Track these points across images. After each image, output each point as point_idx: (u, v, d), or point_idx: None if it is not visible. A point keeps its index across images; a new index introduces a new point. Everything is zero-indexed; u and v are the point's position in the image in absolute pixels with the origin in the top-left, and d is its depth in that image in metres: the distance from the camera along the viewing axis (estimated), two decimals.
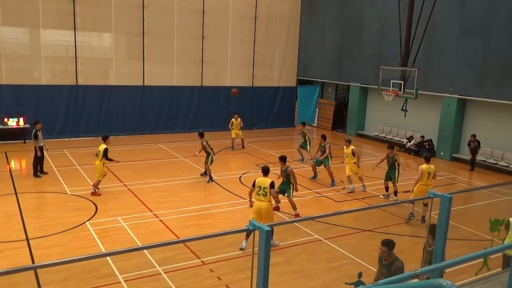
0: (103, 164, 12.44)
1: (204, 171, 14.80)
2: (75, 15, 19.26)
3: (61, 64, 19.67)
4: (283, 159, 11.20)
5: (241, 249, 9.19)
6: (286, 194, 11.27)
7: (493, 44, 16.82)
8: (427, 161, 11.20)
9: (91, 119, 20.34)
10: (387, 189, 13.24)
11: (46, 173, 14.16)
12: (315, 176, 15.05)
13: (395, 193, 12.87)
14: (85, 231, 10.02)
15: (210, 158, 14.23)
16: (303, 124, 17.47)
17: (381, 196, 13.40)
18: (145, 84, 21.32)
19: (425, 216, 11.28)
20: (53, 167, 14.82)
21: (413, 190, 11.24)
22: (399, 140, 21.36)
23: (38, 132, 13.71)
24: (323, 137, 14.71)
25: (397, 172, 12.80)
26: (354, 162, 13.48)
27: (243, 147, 19.60)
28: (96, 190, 12.46)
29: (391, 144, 13.30)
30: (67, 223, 10.34)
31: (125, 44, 20.91)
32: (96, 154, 12.51)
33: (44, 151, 14.12)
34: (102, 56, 20.67)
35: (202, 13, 22.13)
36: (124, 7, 20.26)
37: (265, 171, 9.59)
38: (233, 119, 19.25)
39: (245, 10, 23.49)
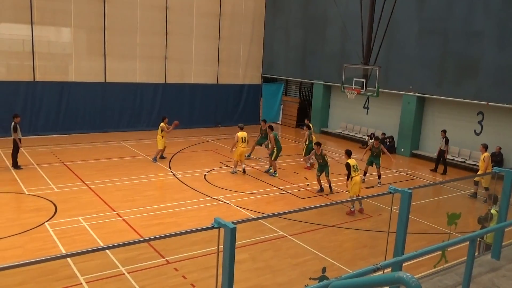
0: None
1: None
2: (32, 8, 18.53)
3: (17, 60, 18.92)
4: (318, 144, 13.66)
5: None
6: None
7: (450, 45, 17.43)
8: (486, 149, 13.43)
9: (49, 116, 19.66)
10: (365, 173, 14.92)
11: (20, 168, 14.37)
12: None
13: (379, 176, 14.58)
14: (44, 232, 9.69)
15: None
16: (264, 121, 17.40)
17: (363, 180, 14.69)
18: (107, 80, 20.80)
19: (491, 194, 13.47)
20: (9, 166, 14.25)
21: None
22: (362, 137, 21.82)
23: (17, 125, 14.02)
24: (271, 128, 15.91)
25: (380, 160, 14.73)
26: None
27: (154, 159, 16.04)
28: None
29: (376, 136, 15.91)
30: (25, 224, 9.97)
31: (85, 39, 20.32)
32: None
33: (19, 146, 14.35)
34: (61, 51, 19.99)
35: (165, 9, 21.80)
36: (84, 0, 19.66)
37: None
38: (162, 123, 16.00)
39: (209, 7, 23.31)
